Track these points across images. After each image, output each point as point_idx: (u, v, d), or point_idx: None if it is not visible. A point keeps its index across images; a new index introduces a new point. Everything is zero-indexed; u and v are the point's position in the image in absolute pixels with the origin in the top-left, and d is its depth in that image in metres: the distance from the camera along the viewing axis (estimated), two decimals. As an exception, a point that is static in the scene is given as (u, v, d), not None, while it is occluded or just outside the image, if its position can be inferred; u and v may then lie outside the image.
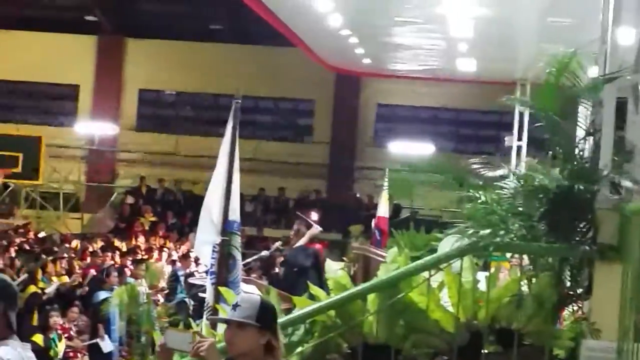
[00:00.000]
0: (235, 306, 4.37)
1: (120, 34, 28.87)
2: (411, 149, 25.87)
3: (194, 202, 25.70)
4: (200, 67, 28.13)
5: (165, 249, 20.61)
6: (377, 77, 25.81)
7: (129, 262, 16.81)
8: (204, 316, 6.65)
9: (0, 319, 4.18)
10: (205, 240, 6.99)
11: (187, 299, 13.24)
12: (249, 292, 5.72)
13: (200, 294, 9.12)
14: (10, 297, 4.26)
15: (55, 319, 9.97)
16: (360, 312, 5.56)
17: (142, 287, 11.42)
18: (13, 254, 16.11)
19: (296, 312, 5.56)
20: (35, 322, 9.96)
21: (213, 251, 6.77)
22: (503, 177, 6.29)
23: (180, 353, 4.56)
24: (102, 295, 13.42)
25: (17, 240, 18.84)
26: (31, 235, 20.91)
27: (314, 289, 5.86)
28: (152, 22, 28.98)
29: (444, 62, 19.65)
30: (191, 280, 12.87)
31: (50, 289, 13.32)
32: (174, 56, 28.26)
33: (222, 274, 6.61)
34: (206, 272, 7.90)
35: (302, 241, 10.43)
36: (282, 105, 29.51)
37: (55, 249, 17.92)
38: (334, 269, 6.14)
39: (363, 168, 28.11)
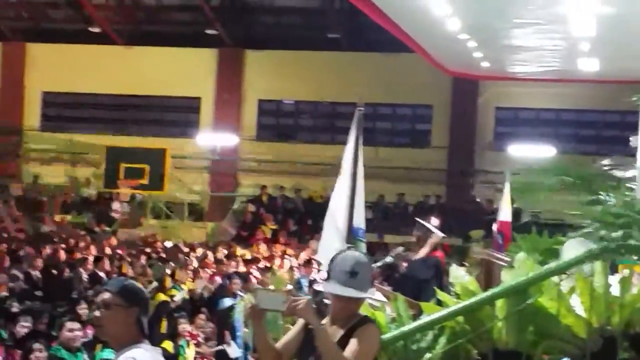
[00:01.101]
0: (352, 273, 4.33)
1: (240, 46, 29.39)
2: (531, 151, 25.43)
3: (314, 210, 25.99)
4: (318, 75, 28.37)
5: (286, 256, 20.80)
6: (496, 80, 25.50)
7: (252, 270, 17.09)
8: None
9: (134, 324, 4.28)
10: (330, 247, 7.02)
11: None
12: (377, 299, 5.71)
13: (326, 300, 9.15)
14: (143, 303, 4.37)
15: (184, 326, 10.19)
16: (489, 318, 5.49)
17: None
18: (142, 263, 16.58)
19: (424, 318, 5.54)
20: (164, 330, 10.20)
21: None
22: (631, 179, 6.13)
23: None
24: (226, 302, 13.67)
25: (147, 250, 19.39)
26: (158, 244, 21.46)
27: (442, 295, 5.83)
28: (271, 34, 29.39)
29: (565, 63, 19.27)
30: (316, 286, 12.93)
31: (178, 297, 13.64)
32: (293, 66, 28.59)
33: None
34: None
35: (423, 251, 10.30)
36: (399, 111, 29.47)
37: (182, 257, 18.38)
38: (460, 274, 6.09)
39: (482, 172, 27.78)
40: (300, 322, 4.65)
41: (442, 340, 5.47)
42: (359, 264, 4.40)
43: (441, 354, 5.47)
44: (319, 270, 17.93)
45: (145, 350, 4.25)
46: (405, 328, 5.31)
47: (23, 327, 8.97)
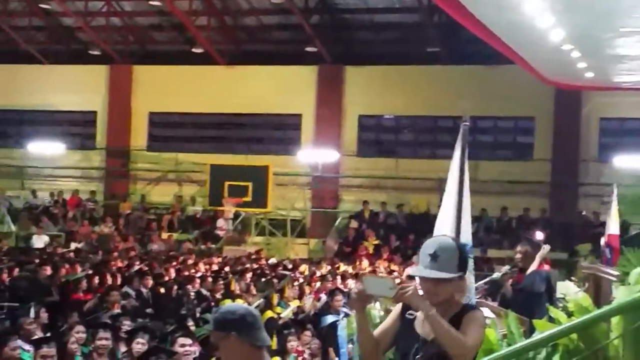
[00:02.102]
0: (434, 256, 4.33)
1: (340, 63, 29.58)
2: (638, 162, 24.81)
3: (416, 225, 25.92)
4: (418, 90, 28.33)
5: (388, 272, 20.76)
6: (600, 90, 24.97)
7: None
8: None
9: (246, 346, 4.25)
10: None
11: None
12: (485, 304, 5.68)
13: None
14: (239, 324, 4.26)
15: (293, 343, 10.29)
16: (604, 336, 5.41)
17: (376, 311, 11.54)
18: (248, 280, 16.81)
19: (537, 335, 5.49)
20: (274, 346, 10.33)
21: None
22: None
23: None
24: (329, 319, 13.72)
25: (252, 266, 19.65)
26: (263, 261, 21.72)
27: (554, 312, 5.77)
28: (370, 49, 29.49)
29: (671, 71, 18.77)
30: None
31: (285, 314, 13.77)
32: (392, 81, 28.60)
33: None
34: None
35: (534, 265, 10.20)
36: (501, 124, 29.14)
37: (287, 273, 18.56)
38: (572, 290, 6.03)
39: (587, 184, 27.23)
40: (397, 311, 4.67)
41: (556, 358, 5.42)
42: (442, 247, 4.41)
43: (555, 372, 5.41)
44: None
45: None
46: (518, 345, 5.26)
47: (139, 343, 9.20)
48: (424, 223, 25.98)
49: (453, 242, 4.62)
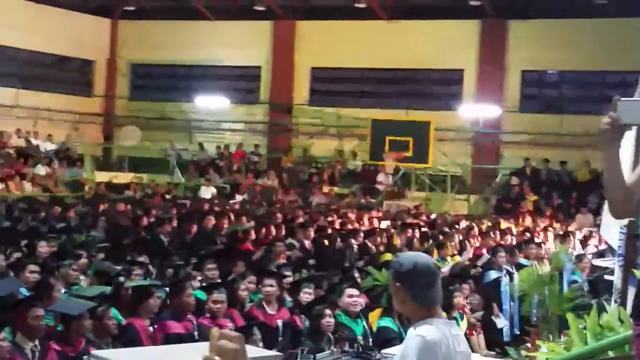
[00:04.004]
0: None
1: (503, 17, 29.02)
2: None
3: (579, 183, 25.33)
4: (583, 44, 27.47)
5: (550, 230, 20.40)
6: None
7: (516, 242, 16.97)
8: (612, 298, 6.59)
9: (410, 300, 4.23)
10: (611, 222, 6.89)
11: (580, 280, 13.11)
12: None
13: (606, 276, 9.01)
14: (404, 278, 4.23)
15: (459, 299, 10.35)
16: None
17: (544, 268, 11.44)
18: (409, 235, 16.93)
19: None
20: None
21: (620, 233, 6.67)
22: None
23: None
24: (492, 275, 13.70)
25: (412, 222, 19.75)
26: (423, 217, 21.79)
27: None
28: (534, 3, 28.76)
29: None
30: (596, 262, 12.70)
31: (444, 269, 13.82)
32: (557, 35, 27.85)
33: (630, 257, 6.52)
34: (613, 254, 7.80)
35: None
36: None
37: (447, 229, 18.58)
38: None
39: None
40: None
41: None
42: None
43: None
44: (583, 246, 17.57)
45: (433, 327, 4.15)
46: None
47: (306, 293, 9.51)
48: (588, 181, 25.43)
49: None
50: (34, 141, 28.75)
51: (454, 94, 29.91)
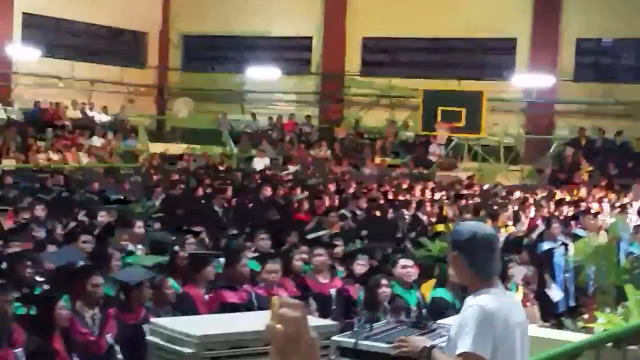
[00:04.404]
0: None
1: (557, -16, 28.61)
2: None
3: (635, 153, 24.95)
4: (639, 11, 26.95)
5: (605, 201, 20.18)
6: None
7: (571, 213, 16.84)
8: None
9: (468, 269, 4.23)
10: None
11: (638, 251, 13.01)
12: None
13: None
14: (464, 246, 4.22)
15: (514, 270, 10.30)
16: None
17: (600, 239, 11.38)
18: (462, 205, 16.87)
19: None
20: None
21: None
22: None
23: None
24: (546, 245, 13.62)
25: (465, 192, 19.69)
26: (476, 187, 21.68)
27: None
28: (590, -31, 28.29)
29: None
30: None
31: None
32: (612, 2, 27.36)
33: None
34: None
35: None
36: None
37: (500, 200, 18.48)
38: None
39: None
40: None
41: None
42: None
43: None
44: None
45: (491, 297, 4.15)
46: None
47: (359, 264, 9.55)
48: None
49: None
50: (89, 113, 29.11)
51: (507, 64, 29.59)
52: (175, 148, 28.35)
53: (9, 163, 21.76)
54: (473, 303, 4.16)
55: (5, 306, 6.62)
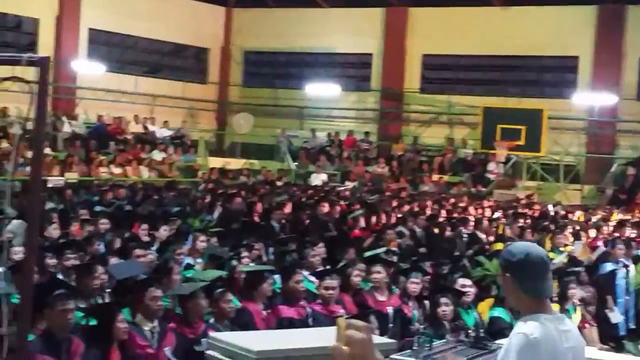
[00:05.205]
0: None
1: (621, 2, 28.21)
2: None
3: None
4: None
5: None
6: None
7: (633, 234, 16.53)
8: None
9: (517, 291, 4.14)
10: None
11: None
12: None
13: None
14: (515, 268, 4.13)
15: (573, 291, 10.16)
16: None
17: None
18: (521, 224, 16.70)
19: None
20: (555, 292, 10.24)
21: None
22: None
23: None
24: (608, 267, 13.41)
25: (523, 211, 19.49)
26: (535, 206, 21.46)
27: None
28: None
29: None
30: None
31: (558, 259, 13.59)
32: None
33: None
34: None
35: None
36: None
37: (560, 220, 18.25)
38: None
39: None
40: None
41: None
42: None
43: None
44: None
45: (539, 324, 4.04)
46: None
47: (413, 283, 9.51)
48: None
49: None
50: (150, 127, 29.51)
51: (569, 82, 29.27)
52: (234, 163, 28.59)
53: (72, 176, 22.14)
54: (520, 330, 4.08)
55: (67, 316, 6.73)
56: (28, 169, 19.05)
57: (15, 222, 11.77)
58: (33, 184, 4.68)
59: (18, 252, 8.85)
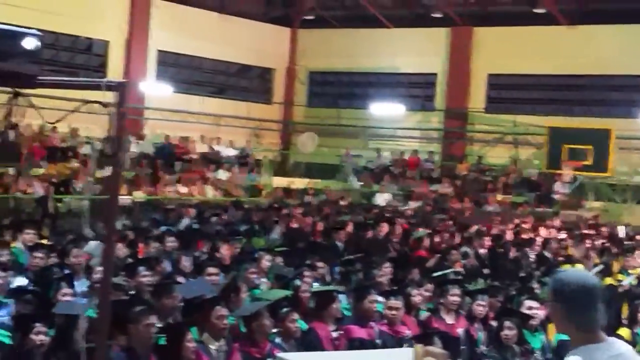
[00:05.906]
0: None
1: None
2: None
3: None
4: None
5: None
6: None
7: None
8: None
9: (568, 321, 3.99)
10: None
11: None
12: None
13: None
14: (567, 299, 3.97)
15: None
16: None
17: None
18: (588, 246, 16.49)
19: None
20: (624, 315, 10.01)
21: None
22: None
23: None
24: (680, 289, 13.15)
25: (590, 232, 19.23)
26: (603, 228, 21.14)
27: None
28: None
29: None
30: None
31: (626, 281, 13.38)
32: None
33: None
34: None
35: None
36: None
37: (628, 241, 17.95)
38: None
39: None
40: None
41: None
42: None
43: None
44: None
45: (587, 355, 3.89)
46: None
47: (479, 305, 9.45)
48: None
49: None
50: (216, 147, 29.84)
51: (637, 101, 28.81)
52: (298, 182, 28.72)
53: (139, 195, 22.47)
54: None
55: (150, 331, 6.89)
56: (97, 186, 19.46)
57: (92, 243, 12.05)
58: (110, 205, 4.81)
59: (97, 272, 9.02)
